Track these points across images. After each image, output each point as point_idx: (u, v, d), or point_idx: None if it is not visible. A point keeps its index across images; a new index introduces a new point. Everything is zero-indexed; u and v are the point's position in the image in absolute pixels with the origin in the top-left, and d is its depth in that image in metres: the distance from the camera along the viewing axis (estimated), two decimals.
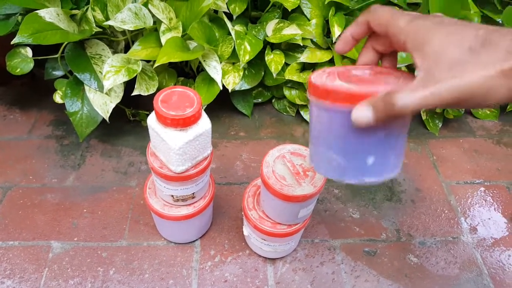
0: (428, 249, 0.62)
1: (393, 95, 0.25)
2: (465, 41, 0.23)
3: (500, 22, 0.72)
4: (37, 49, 0.66)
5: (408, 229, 0.64)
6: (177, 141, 0.43)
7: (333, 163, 0.31)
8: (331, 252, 0.61)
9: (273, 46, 0.74)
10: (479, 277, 0.59)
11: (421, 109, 0.25)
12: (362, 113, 0.26)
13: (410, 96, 0.24)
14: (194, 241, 0.60)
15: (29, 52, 0.66)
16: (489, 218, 0.67)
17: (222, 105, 0.79)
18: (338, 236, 0.63)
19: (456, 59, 0.23)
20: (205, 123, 0.45)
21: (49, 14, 0.58)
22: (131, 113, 0.74)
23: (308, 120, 0.80)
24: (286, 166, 0.48)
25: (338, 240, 0.62)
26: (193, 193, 0.51)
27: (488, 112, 0.85)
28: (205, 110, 0.70)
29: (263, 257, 0.59)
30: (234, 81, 0.70)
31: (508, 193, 0.71)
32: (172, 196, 0.51)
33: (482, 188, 0.71)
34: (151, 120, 0.44)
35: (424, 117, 0.81)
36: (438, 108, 0.25)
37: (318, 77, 0.31)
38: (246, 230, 0.57)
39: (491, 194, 0.71)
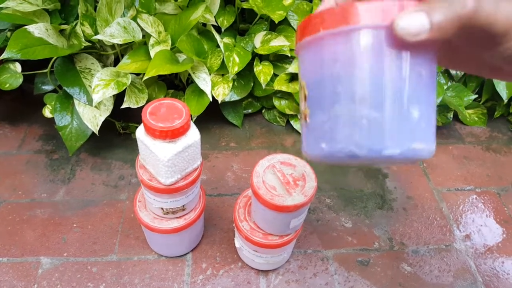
0: (422, 257, 0.62)
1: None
2: None
3: None
4: (27, 64, 0.66)
5: (401, 237, 0.64)
6: (166, 153, 0.43)
7: (362, 123, 0.21)
8: (324, 262, 0.60)
9: (262, 58, 0.74)
10: (474, 285, 0.59)
11: (484, 27, 0.19)
12: (414, 18, 0.19)
13: (446, 11, 0.19)
14: (185, 254, 0.60)
15: (18, 67, 0.66)
16: (481, 225, 0.67)
17: (212, 117, 0.79)
18: (331, 246, 0.62)
19: None
20: (194, 134, 0.45)
21: (38, 29, 0.58)
22: (121, 126, 0.74)
23: (298, 130, 0.80)
24: (276, 176, 0.48)
25: (331, 250, 0.62)
26: (183, 205, 0.51)
27: (476, 118, 0.86)
28: (195, 121, 0.71)
29: (256, 269, 0.58)
30: (223, 92, 0.70)
31: (499, 199, 0.71)
32: (162, 208, 0.50)
33: (473, 195, 0.72)
34: (140, 133, 0.44)
35: None
36: (493, 36, 0.20)
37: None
38: (238, 242, 0.56)
39: (482, 201, 0.71)
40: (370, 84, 0.21)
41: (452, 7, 0.19)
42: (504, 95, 0.79)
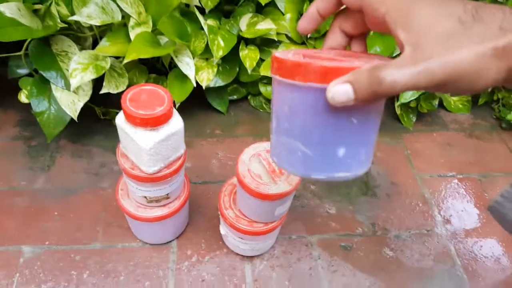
0: (403, 242, 0.63)
1: (380, 70, 0.21)
2: (455, 14, 0.21)
3: None
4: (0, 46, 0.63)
5: (383, 223, 0.65)
6: (148, 141, 0.41)
7: (298, 155, 0.27)
8: (308, 248, 0.61)
9: (248, 41, 0.73)
10: (453, 268, 0.60)
11: (409, 89, 0.21)
12: (342, 89, 0.22)
13: (400, 71, 0.21)
14: (170, 241, 0.59)
15: None
16: (462, 210, 0.68)
17: (196, 103, 0.78)
18: (315, 232, 0.63)
19: (448, 32, 0.21)
20: (177, 122, 0.44)
21: (10, 9, 0.55)
22: (101, 111, 0.72)
23: None
24: (262, 164, 0.48)
25: (315, 236, 0.62)
26: (167, 194, 0.50)
27: (461, 106, 0.87)
28: (179, 108, 0.69)
29: (241, 255, 0.59)
30: (208, 77, 0.69)
31: (480, 185, 0.73)
32: (145, 197, 0.49)
33: (455, 181, 0.73)
34: (120, 120, 0.43)
35: (398, 112, 0.82)
36: (425, 90, 0.23)
37: (282, 55, 0.26)
38: (223, 229, 0.56)
39: (464, 187, 0.72)
40: (305, 129, 0.26)
41: (370, 85, 0.21)
42: None
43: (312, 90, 0.24)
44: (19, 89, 0.65)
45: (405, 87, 0.21)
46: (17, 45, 0.61)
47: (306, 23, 0.29)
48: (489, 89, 0.83)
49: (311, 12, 0.29)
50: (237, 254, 0.59)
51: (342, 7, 0.28)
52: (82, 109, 0.63)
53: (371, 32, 0.32)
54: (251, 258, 0.59)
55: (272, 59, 0.27)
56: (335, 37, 0.29)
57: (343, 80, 0.22)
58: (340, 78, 0.23)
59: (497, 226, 0.66)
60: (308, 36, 0.70)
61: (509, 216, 0.44)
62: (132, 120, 0.41)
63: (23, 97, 0.65)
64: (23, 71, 0.68)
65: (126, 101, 0.41)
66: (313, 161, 0.26)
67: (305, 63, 0.24)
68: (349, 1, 0.26)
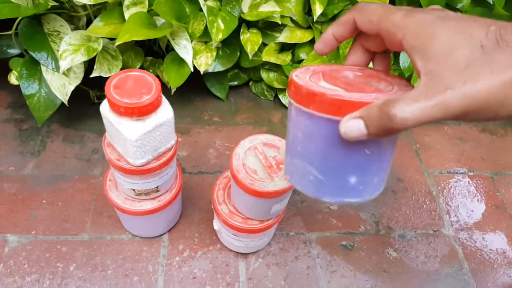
0: (408, 242, 0.60)
1: (391, 105, 0.21)
2: (475, 39, 0.19)
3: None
4: None
5: (388, 221, 0.62)
6: (133, 132, 0.38)
7: (310, 178, 0.27)
8: (306, 245, 0.58)
9: (249, 24, 0.68)
10: (460, 271, 0.57)
11: (423, 123, 0.20)
12: (353, 125, 0.22)
13: (412, 107, 0.20)
14: (161, 235, 0.57)
15: None
16: (472, 210, 0.64)
17: (195, 88, 0.74)
18: (315, 228, 0.60)
19: (467, 61, 0.19)
20: (166, 111, 0.40)
21: None
22: (96, 95, 0.69)
23: (287, 105, 0.75)
24: (258, 159, 0.44)
25: (315, 233, 0.59)
26: (156, 187, 0.47)
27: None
28: (175, 93, 0.66)
29: (235, 251, 0.56)
30: (206, 62, 0.65)
31: (492, 183, 0.69)
32: (134, 190, 0.46)
33: (466, 178, 0.69)
34: (104, 108, 0.40)
35: None
36: (442, 121, 0.20)
37: (300, 75, 0.26)
38: (216, 225, 0.53)
39: (474, 184, 0.68)
40: (319, 157, 0.26)
41: (381, 121, 0.21)
42: None
43: (325, 121, 0.24)
44: (9, 70, 0.62)
45: (417, 122, 0.20)
46: (8, 23, 0.58)
47: (322, 46, 0.29)
48: None
49: (327, 35, 0.28)
50: (231, 250, 0.56)
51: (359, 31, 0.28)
52: (76, 92, 0.59)
53: None
54: (245, 255, 0.56)
55: (289, 81, 0.27)
56: (357, 54, 0.29)
57: (355, 115, 0.22)
58: (353, 114, 0.23)
59: (509, 228, 0.63)
60: (314, 20, 0.65)
61: None
62: (117, 109, 0.37)
63: (13, 79, 0.62)
64: (13, 51, 0.64)
65: (110, 88, 0.38)
66: (325, 186, 0.27)
67: (320, 93, 0.24)
68: (366, 27, 0.26)
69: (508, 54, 0.19)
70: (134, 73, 0.40)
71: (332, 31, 0.28)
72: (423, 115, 0.20)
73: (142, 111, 0.38)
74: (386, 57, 0.29)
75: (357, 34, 0.29)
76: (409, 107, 0.20)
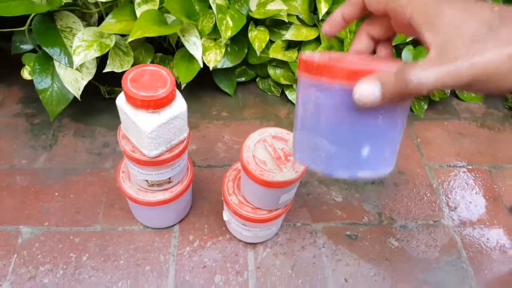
0: (409, 232, 0.62)
1: (407, 70, 0.22)
2: (481, 17, 0.21)
3: None
4: (3, 21, 0.61)
5: (390, 212, 0.64)
6: (149, 124, 0.40)
7: (322, 152, 0.27)
8: (312, 236, 0.60)
9: (257, 22, 0.70)
10: (458, 260, 0.59)
11: (435, 89, 0.21)
12: (369, 89, 0.23)
13: (427, 72, 0.21)
14: (172, 226, 0.58)
15: None
16: (470, 202, 0.66)
17: (203, 84, 0.76)
18: (320, 219, 0.62)
19: (475, 35, 0.21)
20: (180, 104, 0.42)
21: None
22: (106, 90, 0.70)
23: (293, 101, 0.77)
24: (267, 151, 0.46)
25: (320, 223, 0.61)
26: (169, 178, 0.49)
27: (473, 94, 0.84)
28: (185, 89, 0.67)
29: (244, 241, 0.58)
30: (215, 58, 0.67)
31: (490, 176, 0.71)
32: (147, 181, 0.48)
33: (465, 171, 0.71)
34: (121, 101, 0.41)
35: None
36: (452, 89, 0.22)
37: (309, 56, 0.27)
38: (226, 215, 0.55)
39: (473, 177, 0.70)
40: (331, 127, 0.26)
41: (397, 85, 0.22)
42: None
43: (338, 89, 0.24)
44: (22, 65, 0.64)
45: (431, 87, 0.21)
46: (21, 20, 0.59)
47: (329, 27, 0.29)
48: None
49: (336, 16, 0.29)
50: (240, 240, 0.58)
51: (367, 13, 0.28)
52: (87, 87, 0.61)
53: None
54: (254, 245, 0.58)
55: (299, 60, 0.27)
56: (361, 41, 0.30)
57: (369, 80, 0.23)
58: (366, 78, 0.23)
59: (505, 218, 0.65)
60: (320, 18, 0.67)
61: None
62: (133, 101, 0.39)
63: (26, 74, 0.64)
64: (26, 46, 0.66)
65: (127, 81, 0.39)
66: (337, 159, 0.26)
67: (333, 64, 0.24)
68: (374, 7, 0.26)
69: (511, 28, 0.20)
70: (150, 68, 0.41)
71: (340, 12, 0.28)
72: (437, 80, 0.21)
73: (157, 104, 0.39)
74: (389, 46, 0.30)
75: (363, 21, 0.29)
76: (424, 73, 0.21)
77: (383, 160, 0.27)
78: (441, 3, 0.22)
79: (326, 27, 0.30)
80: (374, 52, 0.31)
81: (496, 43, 0.20)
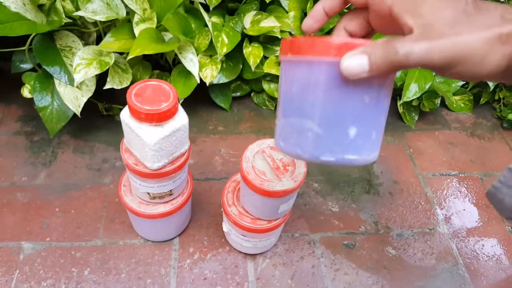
0: (406, 240, 0.63)
1: (396, 41, 0.22)
2: (458, 5, 0.22)
3: None
4: (3, 41, 0.63)
5: (386, 221, 0.65)
6: (153, 137, 0.41)
7: (308, 135, 0.26)
8: (311, 246, 0.61)
9: (251, 39, 0.73)
10: (455, 267, 0.60)
11: (421, 64, 0.22)
12: (356, 60, 0.22)
13: (413, 45, 0.21)
14: (172, 238, 0.59)
15: None
16: (464, 209, 0.68)
17: (200, 99, 0.77)
18: (318, 230, 0.63)
19: (454, 19, 0.22)
20: (181, 118, 0.44)
21: (15, 3, 0.55)
22: (104, 107, 0.72)
23: None
24: (266, 161, 0.47)
25: (318, 234, 0.62)
26: (170, 190, 0.50)
27: (462, 105, 0.87)
28: (182, 104, 0.69)
29: (243, 253, 0.58)
30: (212, 74, 0.69)
31: (481, 184, 0.73)
32: (149, 193, 0.49)
33: (457, 180, 0.73)
34: (125, 115, 0.43)
35: (401, 110, 0.81)
36: (434, 68, 0.23)
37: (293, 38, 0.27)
38: (226, 226, 0.56)
39: (465, 185, 0.72)
40: (317, 107, 0.25)
41: (386, 55, 0.22)
42: (490, 82, 0.79)
43: (324, 64, 0.24)
44: (21, 84, 0.65)
45: (418, 60, 0.21)
46: (21, 39, 0.61)
47: (312, 22, 0.29)
48: (491, 89, 0.83)
49: (317, 10, 0.28)
50: (240, 252, 0.58)
51: (348, 5, 0.28)
52: (85, 104, 0.62)
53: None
54: (253, 256, 0.58)
55: (282, 42, 0.27)
56: (339, 36, 0.29)
57: (358, 51, 0.22)
58: (355, 50, 0.23)
59: (499, 225, 0.66)
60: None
61: (506, 201, 0.44)
62: (137, 115, 0.40)
63: (26, 92, 0.65)
64: (26, 66, 0.67)
65: (131, 96, 0.41)
66: (324, 142, 0.26)
67: (319, 39, 0.23)
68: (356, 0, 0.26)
69: (487, 18, 0.22)
70: (153, 83, 0.43)
71: (322, 4, 0.28)
72: (424, 54, 0.21)
73: (161, 117, 0.41)
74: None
75: (342, 16, 0.29)
76: (411, 45, 0.21)
77: (369, 144, 0.27)
78: None
79: (308, 23, 0.29)
80: None
81: (473, 27, 0.21)
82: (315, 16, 0.29)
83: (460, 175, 0.74)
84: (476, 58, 0.21)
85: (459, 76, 0.23)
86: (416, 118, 0.82)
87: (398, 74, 0.74)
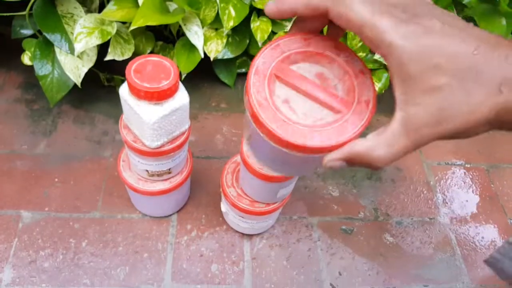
0: (405, 229, 0.62)
1: (371, 153, 0.22)
2: (459, 69, 0.19)
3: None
4: (2, 4, 0.61)
5: (386, 208, 0.64)
6: (152, 116, 0.40)
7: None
8: (308, 229, 0.60)
9: (260, 12, 0.70)
10: (452, 257, 0.60)
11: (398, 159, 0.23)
12: (336, 164, 0.24)
13: (391, 151, 0.22)
14: (170, 215, 0.59)
15: None
16: (466, 200, 0.67)
17: (203, 74, 0.75)
18: (316, 213, 0.62)
19: (442, 99, 0.20)
20: (182, 96, 0.42)
21: None
22: (106, 77, 0.70)
23: None
24: None
25: (316, 217, 0.62)
26: (169, 169, 0.49)
27: None
28: (184, 78, 0.67)
29: (240, 232, 0.58)
30: (216, 48, 0.66)
31: (487, 175, 0.71)
32: (147, 171, 0.48)
33: (462, 170, 0.72)
34: (123, 91, 0.41)
35: None
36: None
37: (257, 88, 0.24)
38: (224, 207, 0.56)
39: (470, 176, 0.71)
40: (275, 165, 0.30)
41: (364, 162, 0.23)
42: None
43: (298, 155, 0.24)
44: (22, 50, 0.63)
45: (395, 160, 0.23)
46: (22, 4, 0.59)
47: (275, 10, 0.24)
48: None
49: (283, 8, 0.24)
50: (237, 231, 0.58)
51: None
52: (86, 74, 0.61)
53: None
54: (250, 236, 0.58)
55: (247, 101, 0.24)
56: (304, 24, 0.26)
57: (336, 157, 0.23)
58: (333, 155, 0.23)
59: (500, 217, 0.66)
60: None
61: (507, 271, 0.44)
62: (136, 92, 0.39)
63: (26, 59, 0.63)
64: (27, 31, 0.65)
65: (130, 72, 0.39)
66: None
67: (299, 145, 0.23)
68: (344, 27, 0.22)
69: (483, 91, 0.19)
70: (154, 58, 0.41)
71: (290, 8, 0.24)
72: (400, 155, 0.22)
73: (161, 95, 0.39)
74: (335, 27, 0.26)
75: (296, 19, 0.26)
76: (389, 153, 0.22)
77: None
78: (424, 36, 0.20)
79: (272, 8, 0.24)
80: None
81: (462, 110, 0.19)
82: (280, 10, 0.24)
83: (466, 165, 0.72)
84: (459, 135, 0.21)
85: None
86: None
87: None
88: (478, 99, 0.19)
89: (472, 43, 0.19)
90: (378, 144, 0.22)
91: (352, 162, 0.23)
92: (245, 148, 0.46)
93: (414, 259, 0.59)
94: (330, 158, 0.24)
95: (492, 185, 0.70)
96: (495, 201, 0.68)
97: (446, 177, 0.70)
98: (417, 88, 0.20)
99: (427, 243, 0.61)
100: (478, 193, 0.69)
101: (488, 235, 0.63)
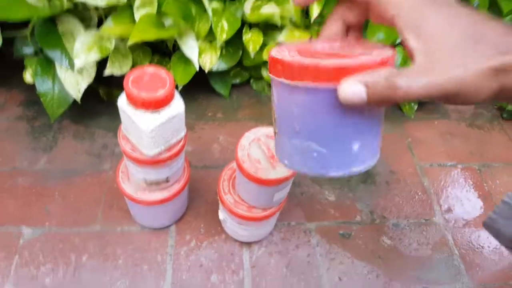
0: (402, 231, 0.63)
1: (398, 76, 0.21)
2: (465, 28, 0.22)
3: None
4: (5, 25, 0.63)
5: (382, 211, 0.65)
6: (149, 124, 0.41)
7: (313, 155, 0.26)
8: (306, 235, 0.61)
9: (251, 25, 0.72)
10: (450, 257, 0.61)
11: (419, 99, 0.22)
12: (355, 91, 0.22)
13: (416, 81, 0.21)
14: (169, 226, 0.60)
15: None
16: (461, 200, 0.68)
17: (199, 86, 0.77)
18: (314, 219, 0.63)
19: (455, 46, 0.21)
20: (178, 105, 0.44)
21: None
22: (105, 93, 0.72)
23: None
24: (261, 150, 0.48)
25: (314, 223, 0.63)
26: (167, 177, 0.50)
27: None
28: (181, 90, 0.69)
29: (239, 241, 0.59)
30: (211, 60, 0.68)
31: (479, 175, 0.73)
32: (145, 180, 0.50)
33: (455, 170, 0.73)
34: (122, 102, 0.43)
35: None
36: (432, 100, 0.22)
37: (279, 54, 0.25)
38: (222, 214, 0.56)
39: (463, 176, 0.72)
40: (319, 129, 0.25)
41: (385, 90, 0.22)
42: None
43: (323, 91, 0.23)
44: (23, 68, 0.65)
45: (417, 96, 0.22)
46: (23, 23, 0.61)
47: None
48: None
49: None
50: (236, 240, 0.59)
51: None
52: (86, 90, 0.62)
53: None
54: (249, 244, 0.59)
55: (271, 60, 0.26)
56: (334, 26, 0.29)
57: (357, 80, 0.22)
58: (353, 79, 0.22)
59: None
60: (312, 21, 0.69)
61: (503, 231, 0.44)
62: (134, 102, 0.40)
63: (28, 77, 0.65)
64: (28, 50, 0.67)
65: (128, 82, 0.41)
66: (329, 160, 0.26)
67: (314, 65, 0.23)
68: None
69: (485, 48, 0.21)
70: (150, 69, 0.43)
71: None
72: (424, 90, 0.21)
73: (158, 104, 0.41)
74: (360, 28, 0.29)
75: (338, 4, 0.29)
76: (414, 82, 0.21)
77: (372, 152, 0.27)
78: (426, 8, 0.22)
79: None
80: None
81: (472, 58, 0.21)
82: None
83: (459, 165, 0.74)
84: (471, 91, 0.21)
85: (452, 103, 0.23)
86: (415, 107, 0.82)
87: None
88: (482, 54, 0.21)
89: (468, 13, 0.22)
90: (403, 73, 0.22)
91: (374, 87, 0.22)
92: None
93: (412, 260, 0.60)
94: (347, 84, 0.22)
95: (485, 184, 0.71)
96: (489, 199, 0.69)
97: (440, 178, 0.71)
98: (432, 39, 0.22)
99: (425, 244, 0.62)
100: (472, 192, 0.70)
101: (484, 233, 0.64)
